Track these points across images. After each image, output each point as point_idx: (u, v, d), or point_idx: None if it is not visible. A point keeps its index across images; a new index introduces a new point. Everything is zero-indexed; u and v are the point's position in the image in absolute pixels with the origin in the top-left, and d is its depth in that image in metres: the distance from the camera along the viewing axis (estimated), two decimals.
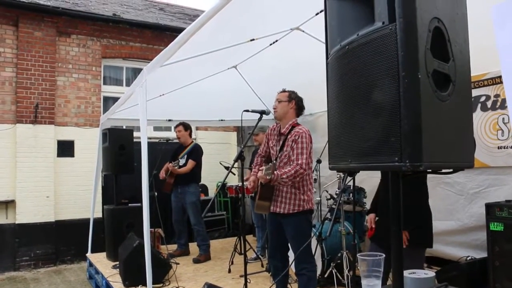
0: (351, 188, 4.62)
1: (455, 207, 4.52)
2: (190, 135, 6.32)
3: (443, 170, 1.53)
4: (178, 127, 6.22)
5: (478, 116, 4.30)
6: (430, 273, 1.74)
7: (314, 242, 4.10)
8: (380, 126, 1.33)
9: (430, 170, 1.48)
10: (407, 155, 1.26)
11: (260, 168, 3.57)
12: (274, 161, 3.58)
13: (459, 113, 1.50)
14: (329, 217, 4.62)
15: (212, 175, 6.82)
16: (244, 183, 3.92)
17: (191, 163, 6.01)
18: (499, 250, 3.55)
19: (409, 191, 2.85)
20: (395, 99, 1.30)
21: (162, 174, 6.14)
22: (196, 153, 6.14)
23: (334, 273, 4.38)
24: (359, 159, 1.44)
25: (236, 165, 3.57)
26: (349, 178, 4.02)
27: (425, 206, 3.10)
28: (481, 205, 3.85)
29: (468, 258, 4.21)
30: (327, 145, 5.18)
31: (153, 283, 3.74)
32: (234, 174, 4.71)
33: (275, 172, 3.37)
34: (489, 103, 4.30)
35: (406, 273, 1.65)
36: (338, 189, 4.78)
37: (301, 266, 3.50)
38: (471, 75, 1.58)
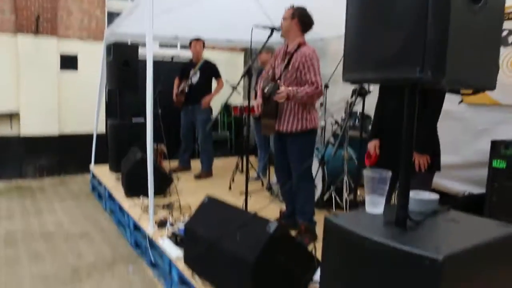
0: (358, 114, 4.57)
1: (461, 142, 4.48)
2: None
3: (462, 92, 1.46)
4: (199, 42, 6.05)
5: None
6: (434, 195, 1.73)
7: (315, 164, 4.11)
8: (404, 34, 1.24)
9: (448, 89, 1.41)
10: (429, 66, 1.19)
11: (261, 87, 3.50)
12: (278, 79, 3.50)
13: (488, 30, 1.40)
14: (332, 141, 4.62)
15: (217, 95, 6.70)
16: (251, 102, 3.86)
17: (220, 81, 6.11)
18: (498, 186, 3.55)
19: (427, 113, 2.74)
20: (423, 6, 1.20)
21: (175, 96, 6.13)
22: (215, 69, 6.15)
23: (333, 196, 4.46)
24: (377, 70, 1.35)
25: (241, 83, 3.49)
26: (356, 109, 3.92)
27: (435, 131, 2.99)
28: (488, 142, 3.80)
29: (466, 193, 4.24)
30: (335, 71, 5.02)
31: (154, 195, 3.81)
32: (240, 94, 4.62)
33: (292, 88, 3.33)
34: (510, 38, 4.11)
35: (410, 194, 1.63)
36: (345, 113, 4.73)
37: (300, 184, 3.57)
38: None
